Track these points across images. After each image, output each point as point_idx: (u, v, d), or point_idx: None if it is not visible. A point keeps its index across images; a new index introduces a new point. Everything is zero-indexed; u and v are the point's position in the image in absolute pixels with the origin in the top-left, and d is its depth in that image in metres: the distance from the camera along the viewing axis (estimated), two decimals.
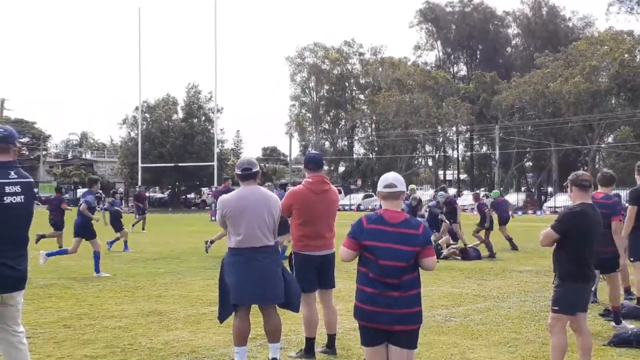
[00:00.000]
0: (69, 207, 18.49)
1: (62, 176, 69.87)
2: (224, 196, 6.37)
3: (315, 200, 6.68)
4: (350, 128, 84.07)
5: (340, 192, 61.79)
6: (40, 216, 14.46)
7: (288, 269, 6.66)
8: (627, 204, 9.62)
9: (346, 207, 51.95)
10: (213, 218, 20.63)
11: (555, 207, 47.19)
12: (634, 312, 8.81)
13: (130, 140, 58.76)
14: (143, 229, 26.66)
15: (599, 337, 7.67)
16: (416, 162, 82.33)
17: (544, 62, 67.68)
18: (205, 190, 56.15)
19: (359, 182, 75.94)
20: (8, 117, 77.37)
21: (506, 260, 16.57)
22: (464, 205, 39.17)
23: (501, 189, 68.76)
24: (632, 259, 9.29)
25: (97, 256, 13.19)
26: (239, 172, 6.25)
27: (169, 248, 19.04)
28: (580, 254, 5.78)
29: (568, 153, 70.42)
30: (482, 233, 18.11)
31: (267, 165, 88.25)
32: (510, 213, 20.15)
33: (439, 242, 17.12)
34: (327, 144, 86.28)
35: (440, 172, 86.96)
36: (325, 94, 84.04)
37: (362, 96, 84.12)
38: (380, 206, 4.89)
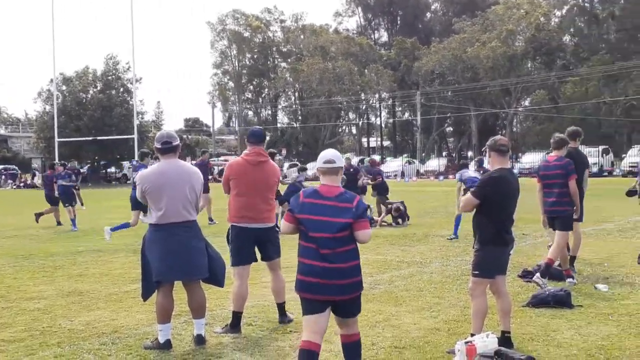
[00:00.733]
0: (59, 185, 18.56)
1: None
2: (144, 171, 6.28)
3: (251, 171, 6.67)
4: (273, 97, 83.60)
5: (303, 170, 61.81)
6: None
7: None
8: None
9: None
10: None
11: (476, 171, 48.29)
12: (551, 273, 9.05)
13: (46, 114, 56.83)
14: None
15: (517, 298, 7.88)
16: (340, 130, 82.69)
17: (462, 27, 68.72)
18: (126, 163, 54.99)
19: (284, 152, 75.88)
20: None
21: (429, 226, 16.85)
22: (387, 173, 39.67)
23: (423, 154, 70.12)
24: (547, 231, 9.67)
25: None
26: (159, 146, 6.09)
27: (89, 225, 18.56)
28: (499, 218, 5.87)
29: (487, 117, 72.11)
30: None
31: (189, 136, 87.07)
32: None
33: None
34: (250, 113, 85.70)
35: (364, 140, 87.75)
36: (247, 63, 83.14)
37: (284, 64, 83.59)
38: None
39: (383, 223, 17.13)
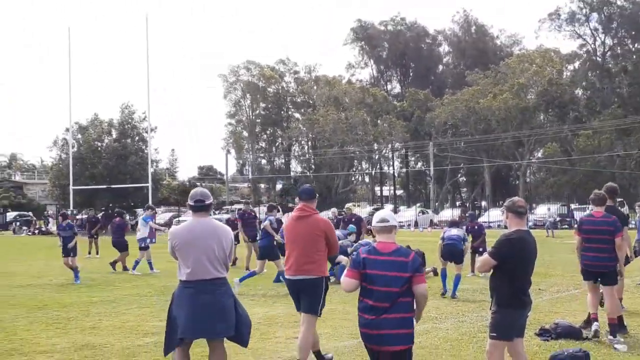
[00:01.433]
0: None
1: None
2: (174, 227, 6.48)
3: (293, 226, 7.18)
4: (287, 146, 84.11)
5: (278, 210, 61.53)
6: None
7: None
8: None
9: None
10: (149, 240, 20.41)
11: (489, 222, 47.98)
12: (569, 332, 8.95)
13: (61, 162, 57.33)
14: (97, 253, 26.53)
15: (535, 358, 7.78)
16: (353, 179, 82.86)
17: (475, 80, 69.30)
18: (139, 211, 55.13)
19: (297, 200, 76.04)
20: None
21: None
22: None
23: (436, 203, 69.98)
24: (585, 280, 9.47)
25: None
26: (192, 204, 6.22)
27: (102, 273, 18.54)
28: (517, 280, 5.85)
29: (500, 168, 72.16)
30: None
31: (203, 184, 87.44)
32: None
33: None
34: (264, 161, 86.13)
35: (377, 189, 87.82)
36: (261, 112, 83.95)
37: (298, 114, 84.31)
38: None
39: None
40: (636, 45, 72.77)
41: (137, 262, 18.56)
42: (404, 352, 5.14)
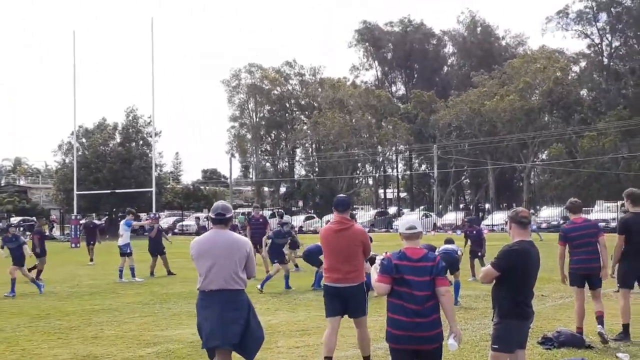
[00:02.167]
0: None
1: None
2: (196, 238, 6.66)
3: (333, 237, 7.58)
4: (291, 149, 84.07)
5: (282, 216, 61.09)
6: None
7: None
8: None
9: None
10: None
11: (492, 225, 47.94)
12: (571, 340, 8.92)
13: (66, 167, 57.44)
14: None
15: None
16: (357, 182, 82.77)
17: (481, 81, 69.12)
18: (144, 216, 55.17)
19: (300, 204, 75.86)
20: None
21: None
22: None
23: (440, 206, 69.92)
24: (619, 285, 9.54)
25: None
26: (212, 216, 6.50)
27: (105, 280, 18.55)
28: (520, 291, 5.82)
29: (504, 170, 71.98)
30: None
31: (207, 187, 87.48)
32: None
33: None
34: (268, 164, 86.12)
35: (381, 191, 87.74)
36: (265, 115, 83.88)
37: (302, 117, 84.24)
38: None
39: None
40: None
41: (121, 270, 18.49)
42: (435, 351, 5.51)
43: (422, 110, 73.23)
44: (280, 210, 42.27)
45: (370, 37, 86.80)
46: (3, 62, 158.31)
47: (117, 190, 49.33)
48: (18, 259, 16.33)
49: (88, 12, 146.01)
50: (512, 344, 5.80)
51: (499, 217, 51.49)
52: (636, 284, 9.68)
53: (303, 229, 54.15)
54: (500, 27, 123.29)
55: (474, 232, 18.38)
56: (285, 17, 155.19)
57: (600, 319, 9.28)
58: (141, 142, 58.96)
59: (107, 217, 58.84)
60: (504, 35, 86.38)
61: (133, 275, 18.49)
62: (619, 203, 48.89)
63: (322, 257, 8.84)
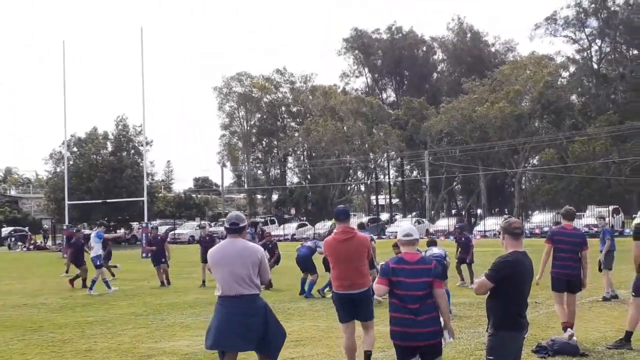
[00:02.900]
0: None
1: None
2: (212, 248, 7.04)
3: (340, 247, 7.87)
4: (283, 156, 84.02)
5: (273, 222, 60.83)
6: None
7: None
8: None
9: (280, 237, 51.40)
10: (144, 255, 20.52)
11: (485, 231, 48.02)
12: (566, 349, 8.93)
13: (57, 176, 57.21)
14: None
15: None
16: (349, 189, 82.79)
17: (471, 87, 69.30)
18: (135, 225, 54.99)
19: (293, 211, 75.77)
20: None
21: None
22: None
23: (432, 212, 70.01)
24: (634, 294, 9.51)
25: None
26: (227, 226, 6.87)
27: (97, 291, 18.46)
28: (514, 302, 5.82)
29: (496, 176, 72.17)
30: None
31: (198, 196, 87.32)
32: None
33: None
34: (259, 172, 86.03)
35: (373, 198, 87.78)
36: (256, 123, 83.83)
37: (294, 124, 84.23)
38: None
39: None
40: (632, 50, 72.87)
41: (93, 282, 18.36)
42: (434, 346, 5.90)
43: (413, 116, 73.36)
44: (254, 220, 42.27)
45: (360, 44, 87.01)
46: None
47: (108, 200, 49.14)
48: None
49: (78, 21, 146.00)
50: (506, 355, 5.80)
51: (491, 223, 51.57)
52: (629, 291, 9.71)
53: (295, 236, 54.03)
54: (489, 33, 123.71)
55: (463, 238, 18.72)
56: (276, 24, 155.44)
57: (569, 328, 9.61)
58: (132, 151, 58.80)
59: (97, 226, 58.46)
60: (493, 42, 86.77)
61: (108, 287, 18.34)
62: (611, 208, 49.05)
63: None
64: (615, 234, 44.35)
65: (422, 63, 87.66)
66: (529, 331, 9.56)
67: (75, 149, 57.57)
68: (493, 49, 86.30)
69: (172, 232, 58.79)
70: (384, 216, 76.21)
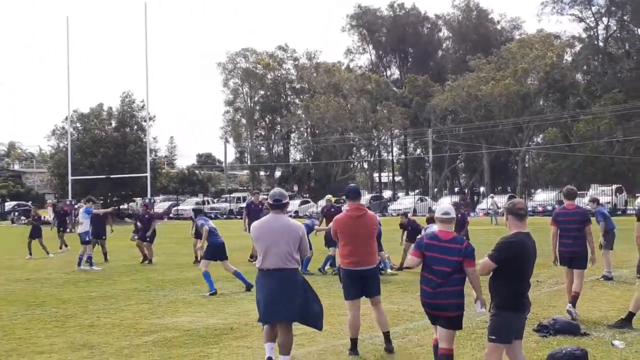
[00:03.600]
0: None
1: None
2: (255, 222, 7.54)
3: (352, 224, 8.01)
4: (286, 133, 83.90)
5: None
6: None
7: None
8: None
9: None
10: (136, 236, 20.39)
11: (487, 209, 47.94)
12: (567, 328, 8.95)
13: (60, 152, 57.20)
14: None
15: (533, 356, 7.76)
16: (352, 166, 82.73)
17: (477, 65, 68.89)
18: (139, 200, 55.08)
19: (296, 188, 75.80)
20: None
21: None
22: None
23: (435, 190, 70.00)
24: (638, 276, 9.60)
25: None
26: (271, 202, 7.29)
27: (100, 266, 18.51)
28: (516, 283, 5.83)
29: (499, 154, 72.00)
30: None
31: (201, 172, 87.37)
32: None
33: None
34: (263, 149, 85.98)
35: (376, 175, 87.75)
36: (260, 99, 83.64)
37: (297, 101, 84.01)
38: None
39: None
40: (638, 29, 72.27)
41: (80, 258, 18.32)
42: (456, 318, 6.30)
43: (417, 94, 73.08)
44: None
45: (365, 22, 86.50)
46: None
47: (112, 176, 49.19)
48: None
49: None
50: (509, 335, 5.82)
51: (494, 201, 51.40)
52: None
53: (299, 213, 54.10)
54: (495, 11, 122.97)
55: (459, 215, 18.77)
56: (284, 2, 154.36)
57: (574, 299, 10.13)
58: (136, 127, 58.69)
59: (101, 202, 58.65)
60: (499, 20, 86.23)
61: (91, 265, 18.22)
62: (614, 187, 48.98)
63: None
64: (618, 212, 44.79)
65: (427, 40, 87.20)
66: (531, 311, 9.64)
67: (78, 125, 57.48)
68: (499, 27, 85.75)
69: (175, 207, 58.92)
70: (387, 194, 76.19)
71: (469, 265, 6.28)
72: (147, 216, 20.44)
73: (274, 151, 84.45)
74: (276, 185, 78.33)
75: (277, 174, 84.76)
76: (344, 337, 9.00)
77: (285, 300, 6.97)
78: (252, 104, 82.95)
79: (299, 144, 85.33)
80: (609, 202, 46.05)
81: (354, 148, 79.43)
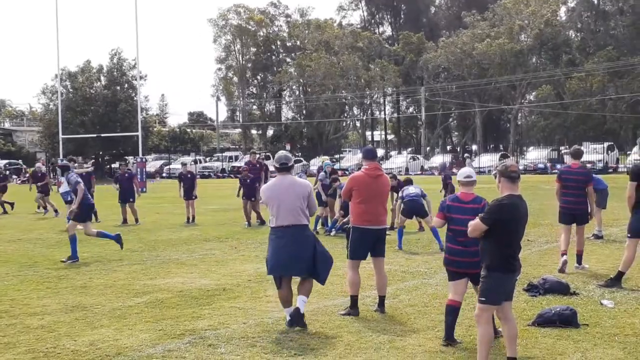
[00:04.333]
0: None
1: None
2: (264, 185, 8.21)
3: (371, 183, 8.22)
4: (278, 91, 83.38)
5: (268, 159, 61.19)
6: None
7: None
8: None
9: (274, 173, 51.33)
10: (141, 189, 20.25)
11: (479, 168, 48.06)
12: (557, 287, 9.02)
13: (50, 112, 56.75)
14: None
15: (523, 315, 7.84)
16: (344, 125, 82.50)
17: (472, 22, 68.20)
18: (130, 159, 54.93)
19: (288, 147, 75.72)
20: None
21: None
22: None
23: (428, 149, 70.04)
24: (629, 235, 9.57)
25: None
26: (277, 165, 7.75)
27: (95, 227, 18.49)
28: (508, 245, 5.84)
29: (492, 113, 71.88)
30: None
31: (193, 130, 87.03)
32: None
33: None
34: (254, 107, 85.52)
35: (368, 134, 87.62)
36: (251, 57, 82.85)
37: (289, 59, 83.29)
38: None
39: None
40: None
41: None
42: (478, 275, 6.17)
43: (410, 52, 72.47)
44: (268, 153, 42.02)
45: None
46: None
47: (102, 134, 48.92)
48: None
49: None
50: (499, 296, 5.85)
51: (486, 159, 51.63)
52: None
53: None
54: None
55: (444, 176, 19.15)
56: None
57: (579, 257, 10.80)
58: (126, 85, 58.21)
59: (93, 160, 58.47)
60: None
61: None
62: (605, 145, 49.09)
63: None
64: (610, 170, 44.96)
65: None
66: (521, 273, 9.69)
67: (67, 83, 56.95)
68: None
69: (167, 166, 58.83)
70: (380, 152, 76.16)
71: None
72: (126, 175, 20.24)
73: (266, 110, 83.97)
74: (269, 144, 78.23)
75: (270, 132, 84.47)
76: (335, 298, 9.08)
77: (294, 255, 7.39)
78: (244, 62, 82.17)
79: (291, 102, 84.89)
80: (600, 160, 46.23)
81: (347, 107, 79.08)
